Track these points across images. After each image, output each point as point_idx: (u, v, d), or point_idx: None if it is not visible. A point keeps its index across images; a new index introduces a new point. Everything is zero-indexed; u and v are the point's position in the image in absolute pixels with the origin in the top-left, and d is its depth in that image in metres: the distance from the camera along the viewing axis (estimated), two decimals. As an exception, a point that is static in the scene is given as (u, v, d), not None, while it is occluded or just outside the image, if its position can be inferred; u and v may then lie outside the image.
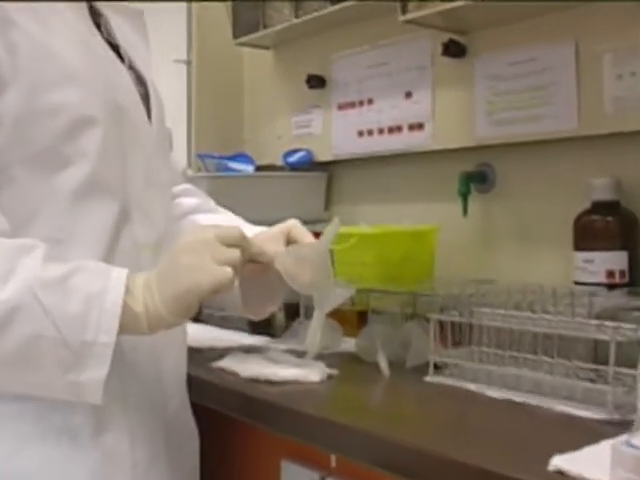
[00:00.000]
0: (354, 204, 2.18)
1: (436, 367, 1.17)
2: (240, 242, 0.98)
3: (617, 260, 1.50)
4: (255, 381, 1.15)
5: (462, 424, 1.02)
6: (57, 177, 0.96)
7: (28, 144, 0.94)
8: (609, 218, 1.53)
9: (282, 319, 1.56)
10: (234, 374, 1.20)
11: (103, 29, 1.07)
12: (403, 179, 2.04)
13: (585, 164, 1.63)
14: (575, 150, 1.65)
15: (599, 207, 1.54)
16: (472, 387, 1.11)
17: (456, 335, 1.16)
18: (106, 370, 0.90)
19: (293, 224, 1.17)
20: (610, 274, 1.50)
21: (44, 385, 0.92)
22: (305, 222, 2.04)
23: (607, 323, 1.04)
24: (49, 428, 0.96)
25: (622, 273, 1.50)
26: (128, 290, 0.92)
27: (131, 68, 1.08)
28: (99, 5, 1.07)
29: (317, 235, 1.92)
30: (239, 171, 2.24)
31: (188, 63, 2.63)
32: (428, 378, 1.17)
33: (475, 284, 1.45)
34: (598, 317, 1.07)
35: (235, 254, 0.95)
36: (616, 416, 0.96)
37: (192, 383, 1.20)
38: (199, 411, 1.19)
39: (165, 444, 1.07)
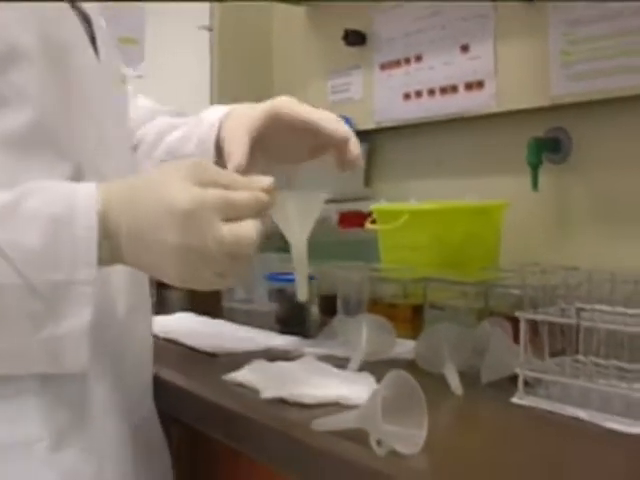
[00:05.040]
0: (400, 179, 1.89)
1: (526, 384, 0.87)
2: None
3: None
4: (282, 402, 0.86)
5: (573, 469, 0.72)
6: None
7: None
8: None
9: (317, 315, 1.27)
10: (254, 391, 0.90)
11: None
12: (459, 149, 1.75)
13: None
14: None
15: None
16: (581, 414, 0.80)
17: (556, 341, 0.85)
18: (89, 315, 0.71)
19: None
20: None
21: (15, 352, 0.72)
22: (343, 200, 1.83)
23: None
24: None
25: None
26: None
27: (74, 7, 0.87)
28: None
29: (360, 215, 1.66)
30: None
31: (210, 30, 2.37)
32: (516, 399, 0.87)
33: (562, 272, 1.16)
34: None
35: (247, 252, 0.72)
36: None
37: (195, 403, 0.92)
38: (201, 441, 0.90)
39: (134, 462, 0.86)
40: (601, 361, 0.82)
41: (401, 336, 1.11)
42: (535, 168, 1.53)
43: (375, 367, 0.97)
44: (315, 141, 0.94)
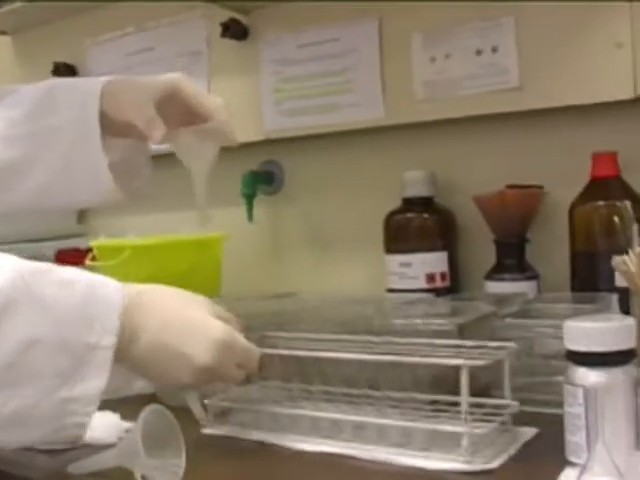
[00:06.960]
0: (115, 215, 1.85)
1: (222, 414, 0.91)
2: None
3: (437, 262, 1.33)
4: (30, 450, 0.82)
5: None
6: None
7: None
8: (425, 215, 1.36)
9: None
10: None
11: None
12: (176, 184, 1.75)
13: (394, 157, 1.45)
14: (382, 142, 1.47)
15: (412, 204, 1.37)
16: (272, 439, 0.83)
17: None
18: (106, 380, 0.72)
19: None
20: (431, 278, 1.32)
21: (26, 408, 0.68)
22: (57, 237, 1.77)
23: (467, 343, 0.81)
24: None
25: (443, 276, 1.33)
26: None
27: None
28: None
29: (79, 252, 1.62)
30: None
31: None
32: (207, 430, 0.90)
33: (269, 300, 1.22)
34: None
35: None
36: (473, 466, 0.72)
37: None
38: None
39: None
40: (287, 385, 0.87)
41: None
42: (250, 200, 1.59)
43: (118, 405, 0.95)
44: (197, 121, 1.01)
